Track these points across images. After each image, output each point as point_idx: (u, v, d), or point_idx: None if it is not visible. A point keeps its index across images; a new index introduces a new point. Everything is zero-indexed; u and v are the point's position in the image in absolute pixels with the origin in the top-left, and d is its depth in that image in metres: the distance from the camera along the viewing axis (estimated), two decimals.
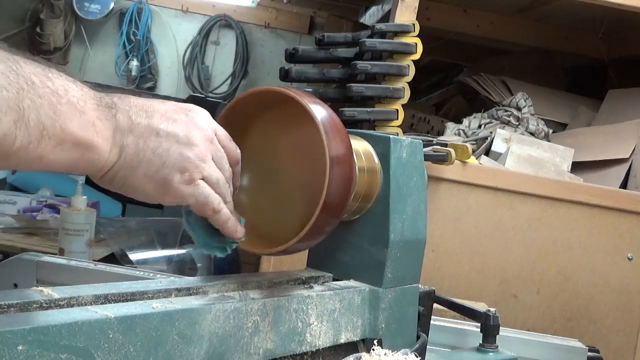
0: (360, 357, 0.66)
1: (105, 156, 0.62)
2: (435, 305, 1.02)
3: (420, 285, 0.92)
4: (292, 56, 1.68)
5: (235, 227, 0.73)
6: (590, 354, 1.25)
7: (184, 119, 0.67)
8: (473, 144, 1.99)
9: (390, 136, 0.86)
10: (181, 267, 1.92)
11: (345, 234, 0.87)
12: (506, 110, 2.16)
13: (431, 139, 1.91)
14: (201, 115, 0.70)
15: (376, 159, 0.85)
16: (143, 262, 1.86)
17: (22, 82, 0.54)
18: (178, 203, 0.69)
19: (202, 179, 0.68)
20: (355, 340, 0.82)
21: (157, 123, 0.65)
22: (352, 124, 1.58)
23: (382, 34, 1.69)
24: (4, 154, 0.54)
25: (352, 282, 0.86)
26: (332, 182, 0.71)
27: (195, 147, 0.67)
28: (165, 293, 0.70)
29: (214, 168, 0.69)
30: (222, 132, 0.72)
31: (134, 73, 4.09)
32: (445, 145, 1.70)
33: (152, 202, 0.69)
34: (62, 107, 0.57)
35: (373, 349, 0.68)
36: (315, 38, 1.71)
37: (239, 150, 0.74)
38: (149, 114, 0.66)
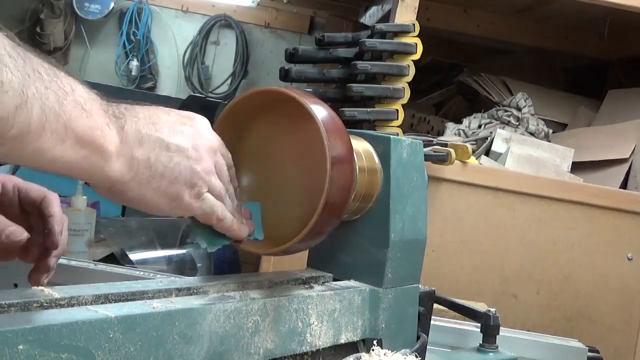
0: (360, 357, 0.66)
1: (112, 164, 0.61)
2: (435, 305, 1.02)
3: (420, 285, 0.92)
4: (292, 56, 1.68)
5: (239, 229, 0.74)
6: (590, 354, 1.25)
7: (189, 131, 0.67)
8: (473, 144, 1.99)
9: (391, 136, 0.86)
10: (181, 267, 1.92)
11: (346, 234, 0.87)
12: (506, 111, 2.16)
13: (431, 139, 1.91)
14: (203, 125, 0.70)
15: (376, 159, 0.85)
16: (143, 262, 1.86)
17: (28, 70, 0.53)
18: (186, 215, 0.70)
19: (208, 191, 0.69)
20: (356, 340, 0.82)
21: (166, 136, 0.65)
22: (352, 124, 1.58)
23: (382, 34, 1.69)
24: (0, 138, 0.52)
25: (352, 282, 0.86)
26: (332, 182, 0.71)
27: (203, 161, 0.68)
28: (166, 293, 0.70)
29: (216, 178, 0.70)
30: (220, 143, 0.72)
31: (134, 73, 4.09)
32: (445, 145, 1.70)
33: (161, 215, 0.69)
34: (67, 103, 0.56)
35: (373, 349, 0.68)
36: (315, 38, 1.71)
37: (229, 154, 0.74)
38: (157, 127, 0.65)
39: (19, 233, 0.88)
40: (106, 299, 0.65)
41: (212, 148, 0.69)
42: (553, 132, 2.21)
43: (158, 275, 1.21)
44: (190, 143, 0.67)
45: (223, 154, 0.72)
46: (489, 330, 1.06)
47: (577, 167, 1.99)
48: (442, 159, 1.63)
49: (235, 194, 0.75)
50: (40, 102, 0.53)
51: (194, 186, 0.67)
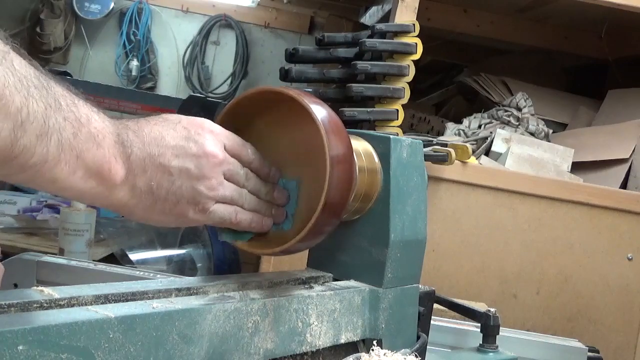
0: (360, 357, 0.66)
1: (117, 194, 0.65)
2: (435, 305, 1.02)
3: (420, 285, 0.92)
4: (292, 56, 1.68)
5: (260, 226, 0.76)
6: (590, 354, 1.25)
7: (194, 150, 0.68)
8: (473, 144, 1.99)
9: (391, 136, 0.86)
10: (181, 267, 1.92)
11: (346, 234, 0.87)
12: (506, 111, 2.16)
13: (431, 139, 1.91)
14: (210, 136, 0.70)
15: (376, 159, 0.85)
16: (143, 262, 1.86)
17: (50, 100, 0.55)
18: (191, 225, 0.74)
19: (217, 202, 0.71)
20: (356, 340, 0.82)
21: (169, 160, 0.67)
22: (352, 124, 1.58)
23: (382, 34, 1.68)
24: (21, 165, 0.55)
25: (352, 282, 0.86)
26: (332, 182, 0.71)
27: (207, 180, 0.69)
28: (166, 293, 0.70)
29: (226, 187, 0.71)
30: (232, 142, 0.73)
31: (134, 73, 4.09)
32: (445, 145, 1.70)
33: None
34: (82, 135, 0.59)
35: (373, 349, 0.68)
36: (315, 38, 1.71)
37: (250, 150, 0.75)
38: (161, 150, 0.67)
39: None
40: (106, 299, 0.65)
41: (218, 162, 0.70)
42: (553, 132, 2.20)
43: (158, 275, 1.21)
44: (194, 163, 0.68)
45: (238, 154, 0.73)
46: (489, 330, 1.06)
47: (577, 167, 1.99)
48: (442, 159, 1.63)
49: (270, 177, 0.77)
50: (58, 133, 0.56)
51: (197, 204, 0.69)
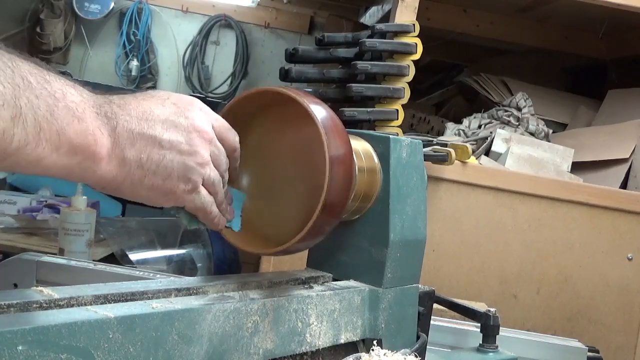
0: (360, 357, 0.66)
1: (104, 167, 0.62)
2: (435, 305, 1.02)
3: (420, 285, 0.92)
4: (292, 56, 1.68)
5: (219, 222, 0.75)
6: (590, 354, 1.25)
7: (184, 124, 0.67)
8: (473, 144, 1.99)
9: (390, 136, 0.86)
10: (181, 267, 1.92)
11: (345, 234, 0.87)
12: (506, 111, 2.16)
13: (431, 139, 1.91)
14: (199, 113, 0.70)
15: (376, 159, 0.85)
16: (143, 262, 1.86)
17: (18, 80, 0.54)
18: (176, 205, 0.71)
19: (202, 184, 0.70)
20: (355, 340, 0.82)
21: (159, 133, 0.65)
22: (352, 124, 1.58)
23: (382, 34, 1.69)
24: (2, 152, 0.53)
25: (352, 282, 0.86)
26: (332, 182, 0.71)
27: (197, 155, 0.68)
28: (165, 293, 0.70)
29: (211, 169, 0.70)
30: (220, 123, 0.72)
31: (134, 73, 4.09)
32: (445, 145, 1.70)
33: (153, 205, 0.70)
34: (59, 110, 0.57)
35: (372, 349, 0.68)
36: (315, 38, 1.71)
37: (237, 137, 0.75)
38: (150, 123, 0.65)
39: None
40: (106, 299, 0.65)
41: (208, 138, 0.69)
42: (553, 132, 2.21)
43: (158, 275, 1.21)
44: (184, 137, 0.67)
45: (225, 138, 0.72)
46: (489, 330, 1.06)
47: (577, 167, 1.99)
48: (442, 159, 1.63)
49: (232, 177, 0.76)
50: (33, 112, 0.54)
51: (187, 181, 0.68)
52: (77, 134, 0.58)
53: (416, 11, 1.73)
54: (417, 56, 1.68)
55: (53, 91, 0.57)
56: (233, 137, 0.74)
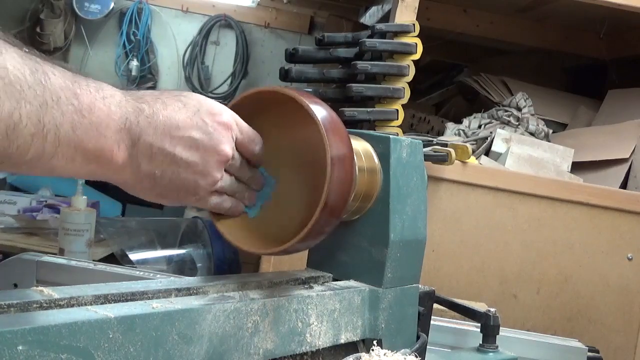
0: (360, 357, 0.66)
1: (118, 174, 0.65)
2: (435, 305, 1.02)
3: (420, 285, 0.92)
4: (292, 56, 1.68)
5: (236, 209, 0.77)
6: (590, 354, 1.25)
7: (206, 145, 0.68)
8: (473, 144, 1.99)
9: (390, 136, 0.86)
10: (181, 267, 1.92)
11: (345, 234, 0.87)
12: (506, 111, 2.16)
13: (431, 139, 1.91)
14: (226, 133, 0.71)
15: (376, 159, 0.85)
16: (143, 262, 1.86)
17: (47, 97, 0.55)
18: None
19: (215, 191, 0.73)
20: (355, 340, 0.82)
21: (179, 152, 0.67)
22: (352, 124, 1.58)
23: (382, 34, 1.68)
24: (15, 163, 0.55)
25: (352, 282, 0.86)
26: (332, 182, 0.71)
27: (209, 176, 0.70)
28: (165, 293, 0.70)
29: (224, 180, 0.73)
30: (243, 136, 0.73)
31: (134, 73, 4.09)
32: (445, 145, 1.70)
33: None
34: (82, 127, 0.58)
35: (373, 349, 0.68)
36: (315, 38, 1.71)
37: (259, 145, 0.76)
38: (174, 141, 0.66)
39: None
40: (106, 299, 0.65)
41: (224, 161, 0.71)
42: (553, 132, 2.21)
43: (158, 275, 1.21)
44: (201, 159, 0.69)
45: (245, 151, 0.74)
46: (489, 330, 1.06)
47: (577, 167, 1.99)
48: (442, 159, 1.63)
49: (256, 162, 0.78)
50: (55, 129, 0.56)
51: (196, 194, 0.71)
52: (95, 149, 0.60)
53: (416, 11, 1.73)
54: (417, 56, 1.68)
55: (80, 107, 0.58)
56: (253, 148, 0.75)
